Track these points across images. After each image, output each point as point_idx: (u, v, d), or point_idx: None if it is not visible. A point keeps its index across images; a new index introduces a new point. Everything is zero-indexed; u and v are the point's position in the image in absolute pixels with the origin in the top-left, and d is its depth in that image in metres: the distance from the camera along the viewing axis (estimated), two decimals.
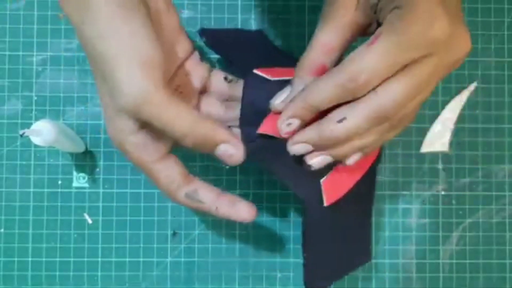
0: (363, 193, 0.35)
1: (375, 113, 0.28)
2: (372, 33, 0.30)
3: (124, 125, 0.29)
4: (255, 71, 0.34)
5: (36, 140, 0.35)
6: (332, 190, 0.33)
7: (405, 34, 0.27)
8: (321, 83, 0.29)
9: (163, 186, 0.31)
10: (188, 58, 0.34)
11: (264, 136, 0.32)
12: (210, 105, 0.36)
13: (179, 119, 0.28)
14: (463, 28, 0.28)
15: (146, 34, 0.28)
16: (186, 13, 0.43)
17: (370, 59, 0.27)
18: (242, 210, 0.32)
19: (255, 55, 0.39)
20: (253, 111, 0.33)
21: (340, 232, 0.35)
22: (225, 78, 0.36)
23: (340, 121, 0.29)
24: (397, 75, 0.28)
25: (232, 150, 0.30)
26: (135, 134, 0.29)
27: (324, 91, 0.29)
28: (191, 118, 0.29)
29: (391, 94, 0.28)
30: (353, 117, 0.29)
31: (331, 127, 0.29)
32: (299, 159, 0.31)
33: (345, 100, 0.29)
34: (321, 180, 0.33)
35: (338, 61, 0.31)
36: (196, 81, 0.35)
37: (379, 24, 0.30)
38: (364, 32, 0.31)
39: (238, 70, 0.36)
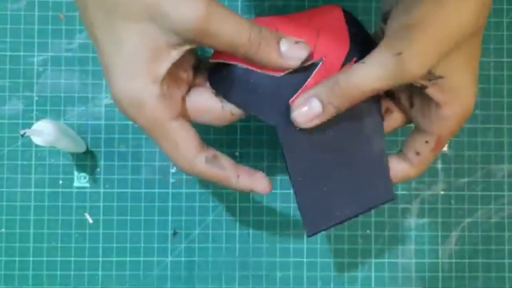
0: (365, 118, 0.31)
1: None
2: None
3: (155, 66, 0.27)
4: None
5: (37, 140, 0.35)
6: None
7: (455, 132, 0.30)
8: (398, 181, 0.32)
9: (182, 150, 0.28)
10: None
11: (218, 66, 0.30)
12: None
13: (241, 24, 0.27)
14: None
15: None
16: None
17: (432, 160, 0.32)
18: (260, 182, 0.31)
19: None
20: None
21: (334, 163, 0.31)
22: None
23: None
24: None
25: (298, 45, 0.28)
26: (160, 83, 0.27)
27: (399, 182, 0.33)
28: (249, 22, 0.27)
29: None
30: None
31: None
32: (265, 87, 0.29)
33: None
34: (290, 101, 0.29)
35: None
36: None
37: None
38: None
39: None
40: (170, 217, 0.43)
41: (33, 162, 0.43)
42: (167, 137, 0.28)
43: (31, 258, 0.42)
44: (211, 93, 0.31)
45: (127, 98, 0.27)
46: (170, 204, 0.43)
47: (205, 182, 0.43)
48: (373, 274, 0.43)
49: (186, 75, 0.30)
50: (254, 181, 0.30)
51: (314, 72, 0.29)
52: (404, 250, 0.43)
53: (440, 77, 0.28)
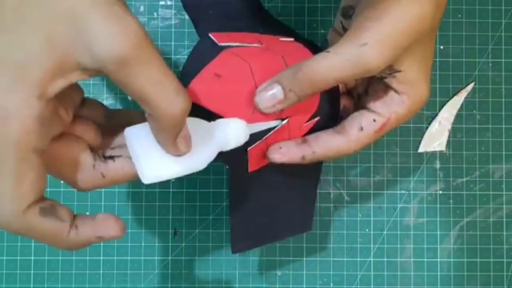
0: (301, 168, 0.33)
1: None
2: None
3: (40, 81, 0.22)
4: (210, 34, 0.33)
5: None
6: (258, 158, 0.33)
7: (403, 120, 0.32)
8: (327, 152, 0.32)
9: (22, 190, 0.23)
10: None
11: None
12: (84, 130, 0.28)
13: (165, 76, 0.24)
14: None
15: None
16: (186, 14, 0.44)
17: (372, 142, 0.32)
18: (108, 225, 0.26)
19: (227, 19, 0.36)
20: (192, 75, 0.31)
21: (271, 200, 0.35)
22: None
23: None
24: None
25: (187, 135, 0.26)
26: (45, 103, 0.22)
27: (328, 156, 0.33)
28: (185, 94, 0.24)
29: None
30: None
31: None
32: None
33: None
34: (248, 149, 0.32)
35: None
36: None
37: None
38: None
39: (200, 33, 0.34)
40: (170, 216, 0.43)
41: None
42: (15, 169, 0.22)
43: (32, 257, 0.43)
44: (87, 147, 0.27)
45: None
46: (170, 203, 0.43)
47: (205, 182, 0.43)
48: (372, 273, 0.43)
49: (67, 114, 0.26)
50: (99, 226, 0.26)
51: (275, 129, 0.31)
52: (403, 249, 0.43)
53: (399, 71, 0.29)
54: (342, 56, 0.28)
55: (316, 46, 0.35)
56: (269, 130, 0.31)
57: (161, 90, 0.23)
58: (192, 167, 0.28)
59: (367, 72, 0.28)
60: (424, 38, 0.29)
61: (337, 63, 0.28)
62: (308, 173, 0.35)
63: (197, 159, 0.28)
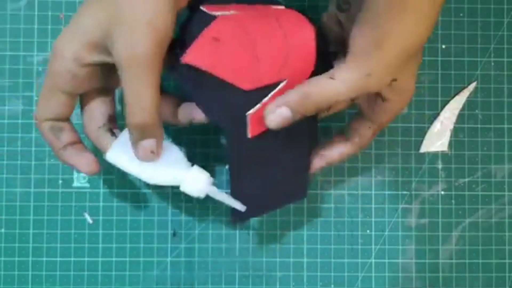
0: (298, 131, 0.34)
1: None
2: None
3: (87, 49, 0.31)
4: (202, 7, 0.33)
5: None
6: (258, 123, 0.33)
7: (393, 115, 0.35)
8: (338, 158, 0.37)
9: (50, 103, 0.33)
10: None
11: (190, 67, 0.32)
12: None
13: (148, 99, 0.30)
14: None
15: None
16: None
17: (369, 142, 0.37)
18: (84, 161, 0.34)
19: None
20: (187, 43, 0.32)
21: (268, 166, 0.35)
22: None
23: None
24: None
25: (154, 149, 0.32)
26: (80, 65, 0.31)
27: (337, 161, 0.37)
28: (157, 104, 0.31)
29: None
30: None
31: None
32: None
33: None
34: (248, 113, 0.33)
35: None
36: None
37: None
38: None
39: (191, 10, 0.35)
40: (169, 217, 0.43)
41: (32, 162, 0.43)
42: (44, 93, 0.32)
43: (30, 259, 0.42)
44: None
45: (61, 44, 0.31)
46: (169, 204, 0.43)
47: None
48: (373, 275, 0.43)
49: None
50: (79, 159, 0.34)
51: (274, 91, 0.33)
52: (405, 250, 0.43)
53: (395, 80, 0.31)
54: (347, 84, 0.31)
55: (306, 13, 0.35)
56: (268, 92, 0.32)
57: (135, 100, 0.30)
58: (142, 174, 0.34)
59: (369, 92, 0.32)
60: (420, 49, 0.31)
61: (342, 91, 0.31)
62: (303, 140, 0.36)
63: (150, 173, 0.34)
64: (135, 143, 0.32)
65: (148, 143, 0.32)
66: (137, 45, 0.29)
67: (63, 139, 0.33)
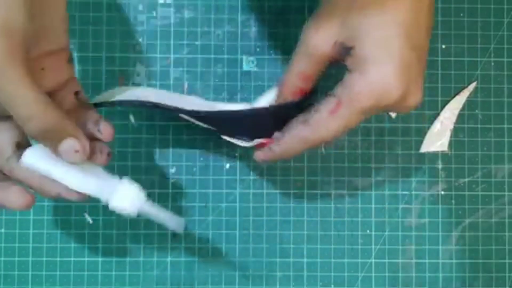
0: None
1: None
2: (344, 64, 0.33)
3: None
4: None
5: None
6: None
7: (363, 104, 0.30)
8: (292, 141, 0.34)
9: None
10: (57, 52, 0.32)
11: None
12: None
13: (29, 98, 0.27)
14: (418, 86, 0.31)
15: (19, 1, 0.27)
16: (186, 13, 0.43)
17: (334, 129, 0.32)
18: (14, 196, 0.30)
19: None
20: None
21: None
22: (76, 93, 0.33)
23: None
24: None
25: (77, 147, 0.29)
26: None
27: (296, 149, 0.34)
28: (44, 100, 0.27)
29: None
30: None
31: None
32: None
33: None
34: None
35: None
36: (51, 79, 0.32)
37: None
38: (336, 62, 0.34)
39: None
40: None
41: None
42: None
43: (30, 258, 0.42)
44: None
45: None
46: (169, 204, 0.43)
47: (204, 183, 0.43)
48: (373, 275, 0.43)
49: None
50: (7, 196, 0.30)
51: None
52: (405, 250, 0.43)
53: (350, 47, 0.30)
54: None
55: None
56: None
57: (17, 104, 0.27)
58: (65, 178, 0.30)
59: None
60: (385, 19, 0.30)
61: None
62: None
63: (76, 179, 0.31)
64: (54, 151, 0.29)
65: (67, 144, 0.28)
66: None
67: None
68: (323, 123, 0.32)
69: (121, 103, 0.35)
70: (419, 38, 0.31)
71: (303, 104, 0.35)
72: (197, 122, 0.37)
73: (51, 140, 0.28)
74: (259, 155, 0.36)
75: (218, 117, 0.36)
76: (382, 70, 0.30)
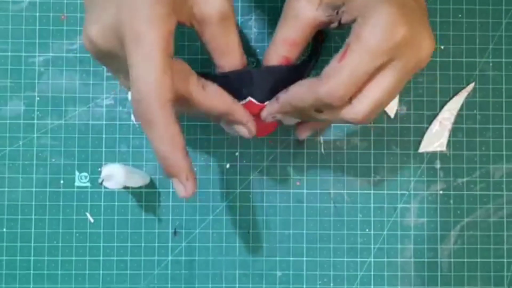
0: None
1: (349, 120, 0.32)
2: (333, 28, 0.33)
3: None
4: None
5: (109, 184, 0.40)
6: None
7: (369, 44, 0.29)
8: (303, 93, 0.32)
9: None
10: None
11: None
12: None
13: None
14: (426, 30, 0.31)
15: None
16: None
17: (344, 76, 0.30)
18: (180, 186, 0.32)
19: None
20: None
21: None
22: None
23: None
24: (368, 86, 0.31)
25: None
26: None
27: (306, 101, 0.32)
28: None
29: (364, 105, 0.31)
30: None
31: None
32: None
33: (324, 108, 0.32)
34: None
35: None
36: None
37: (340, 24, 0.33)
38: (325, 27, 0.33)
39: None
40: (170, 217, 0.43)
41: (34, 162, 0.43)
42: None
43: (32, 258, 0.43)
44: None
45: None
46: (170, 203, 0.43)
47: (205, 182, 0.43)
48: (372, 274, 0.43)
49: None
50: (178, 186, 0.31)
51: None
52: (403, 249, 0.43)
53: (341, 4, 0.31)
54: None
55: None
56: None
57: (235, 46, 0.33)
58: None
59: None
60: None
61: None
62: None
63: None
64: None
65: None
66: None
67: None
68: (333, 72, 0.30)
69: None
70: None
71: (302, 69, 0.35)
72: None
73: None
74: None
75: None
76: (382, 10, 0.29)
